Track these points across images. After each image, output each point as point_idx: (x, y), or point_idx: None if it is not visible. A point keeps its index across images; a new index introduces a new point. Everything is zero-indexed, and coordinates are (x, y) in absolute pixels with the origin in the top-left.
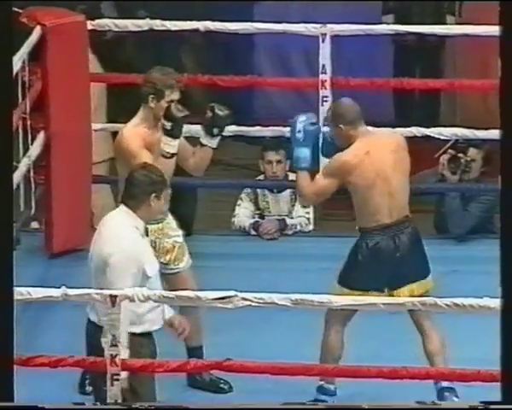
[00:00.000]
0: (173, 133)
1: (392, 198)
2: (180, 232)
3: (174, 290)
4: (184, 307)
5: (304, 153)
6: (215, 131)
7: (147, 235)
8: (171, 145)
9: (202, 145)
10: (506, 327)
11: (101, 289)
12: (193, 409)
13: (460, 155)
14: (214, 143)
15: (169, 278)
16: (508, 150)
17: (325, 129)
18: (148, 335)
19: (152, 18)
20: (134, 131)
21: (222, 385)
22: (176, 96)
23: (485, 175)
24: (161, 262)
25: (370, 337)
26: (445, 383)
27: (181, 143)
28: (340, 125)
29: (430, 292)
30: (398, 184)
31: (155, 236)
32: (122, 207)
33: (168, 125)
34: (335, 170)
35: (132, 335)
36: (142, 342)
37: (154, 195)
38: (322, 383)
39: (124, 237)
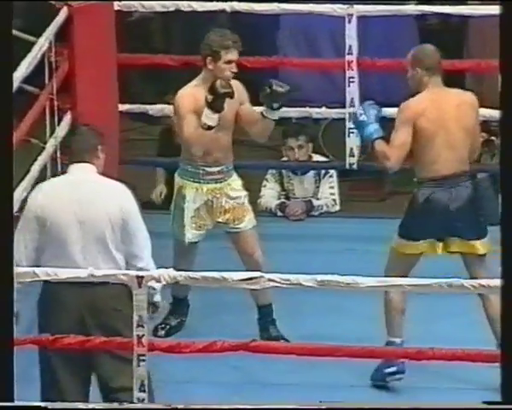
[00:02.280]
0: (214, 106)
1: (452, 150)
2: (244, 192)
3: (237, 249)
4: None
5: (372, 127)
6: (275, 105)
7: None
8: (209, 117)
9: (264, 117)
10: (506, 327)
11: (113, 249)
12: (189, 409)
13: (493, 138)
14: (276, 115)
15: (231, 237)
16: (507, 143)
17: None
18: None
19: None
20: (190, 93)
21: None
22: (233, 55)
23: None
24: (219, 221)
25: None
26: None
27: (248, 108)
28: (417, 69)
29: (490, 254)
30: (459, 138)
31: (213, 195)
32: (82, 165)
33: (210, 97)
34: (405, 117)
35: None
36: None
37: (100, 147)
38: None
39: (121, 186)
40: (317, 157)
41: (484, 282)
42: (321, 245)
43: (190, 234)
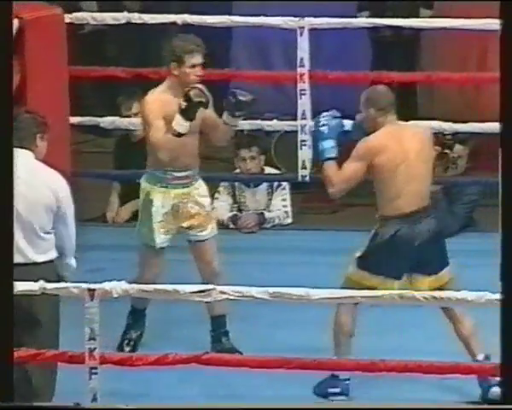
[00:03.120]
0: (186, 114)
1: (414, 186)
2: (209, 200)
3: (196, 257)
4: None
5: (329, 144)
6: (237, 113)
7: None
8: (181, 125)
9: (226, 123)
10: (506, 326)
11: (39, 227)
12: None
13: (447, 151)
14: (237, 122)
15: (192, 245)
16: (508, 148)
17: (346, 122)
18: (50, 262)
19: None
20: (157, 98)
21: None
22: (197, 59)
23: (469, 171)
24: (182, 226)
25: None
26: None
27: (212, 115)
28: (371, 110)
29: (450, 285)
30: (421, 173)
31: (179, 199)
32: (20, 151)
33: (184, 105)
34: (362, 153)
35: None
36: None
37: (38, 135)
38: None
39: (56, 174)
40: (269, 169)
41: (436, 294)
42: (273, 257)
43: (159, 239)
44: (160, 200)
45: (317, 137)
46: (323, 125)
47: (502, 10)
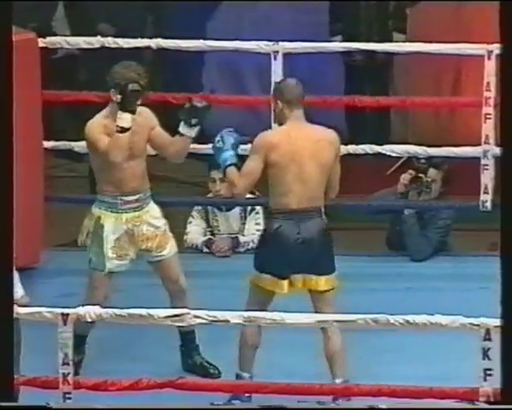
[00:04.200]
0: (124, 106)
1: (304, 185)
2: (163, 221)
3: (161, 277)
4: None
5: (227, 154)
6: (193, 121)
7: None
8: (122, 119)
9: (181, 134)
10: (506, 324)
11: None
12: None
13: (421, 175)
14: (193, 132)
15: (154, 265)
16: (508, 168)
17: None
18: None
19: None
20: (97, 122)
21: (211, 370)
22: (137, 87)
23: (443, 195)
24: (142, 249)
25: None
26: None
27: (159, 133)
28: (278, 101)
29: (336, 290)
30: (312, 174)
31: (132, 223)
32: None
33: (119, 97)
34: (257, 147)
35: None
36: None
37: None
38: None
39: None
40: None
41: (409, 318)
42: (247, 282)
43: (110, 264)
44: (112, 225)
45: (216, 153)
46: (218, 141)
47: (502, 10)
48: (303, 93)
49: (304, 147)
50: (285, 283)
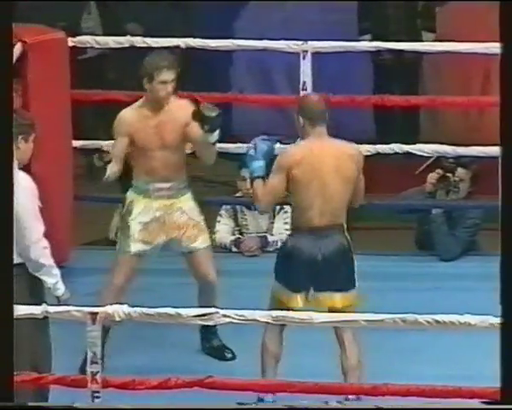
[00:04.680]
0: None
1: (326, 202)
2: (197, 211)
3: (190, 269)
4: None
5: (257, 164)
6: (206, 127)
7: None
8: (211, 136)
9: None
10: (505, 324)
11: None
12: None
13: (449, 174)
14: (211, 138)
15: (185, 257)
16: (508, 168)
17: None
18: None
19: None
20: (127, 115)
21: (227, 354)
22: (166, 76)
23: (471, 195)
24: (173, 238)
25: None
26: None
27: (192, 130)
28: (300, 117)
29: (355, 307)
30: (335, 190)
31: (163, 211)
32: None
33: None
34: (280, 164)
35: None
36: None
37: (20, 137)
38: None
39: (25, 181)
40: None
41: (438, 317)
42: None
43: (135, 246)
44: (141, 209)
45: (247, 160)
46: (251, 148)
47: (501, 10)
48: (326, 109)
49: (326, 163)
50: (299, 297)
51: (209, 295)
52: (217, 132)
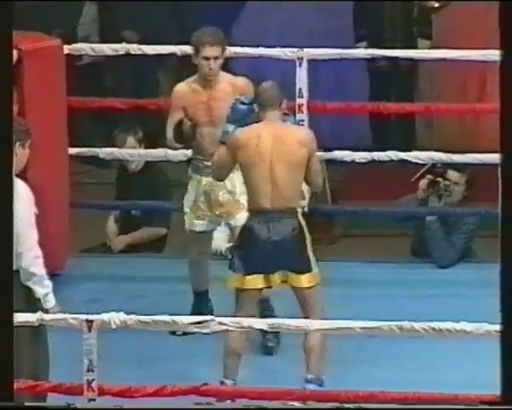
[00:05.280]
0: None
1: (274, 186)
2: (237, 188)
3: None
4: None
5: (226, 128)
6: (228, 117)
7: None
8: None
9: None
10: (505, 323)
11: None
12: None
13: (438, 179)
14: (226, 127)
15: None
16: (507, 176)
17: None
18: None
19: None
20: (181, 89)
21: (269, 343)
22: (209, 52)
23: (468, 199)
24: (217, 214)
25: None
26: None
27: None
28: (255, 105)
29: (315, 288)
30: (281, 174)
31: (209, 187)
32: None
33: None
34: (228, 144)
35: None
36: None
37: (18, 143)
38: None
39: (21, 188)
40: None
41: (434, 325)
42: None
43: (190, 223)
44: (194, 187)
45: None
46: (230, 108)
47: (501, 10)
48: (278, 95)
49: (272, 147)
50: (258, 279)
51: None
52: (233, 127)
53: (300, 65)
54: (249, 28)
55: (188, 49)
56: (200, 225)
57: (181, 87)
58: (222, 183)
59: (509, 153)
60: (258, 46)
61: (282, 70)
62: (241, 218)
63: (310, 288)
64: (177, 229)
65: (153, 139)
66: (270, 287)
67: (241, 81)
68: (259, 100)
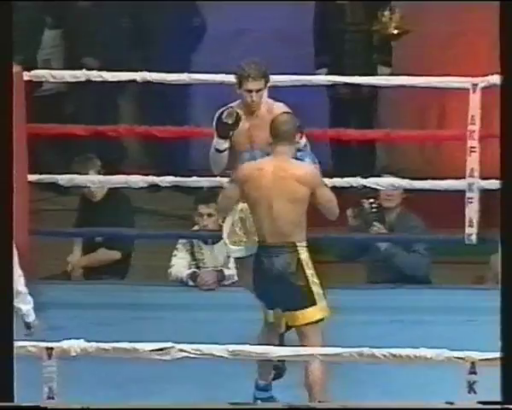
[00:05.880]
0: (218, 132)
1: (273, 221)
2: None
3: None
4: None
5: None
6: (217, 132)
7: None
8: (218, 142)
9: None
10: (506, 322)
11: None
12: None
13: (363, 201)
14: (218, 144)
15: None
16: (507, 203)
17: None
18: None
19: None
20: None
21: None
22: (251, 85)
23: (407, 201)
24: (254, 240)
25: None
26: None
27: None
28: (270, 135)
29: (312, 326)
30: (280, 210)
31: (244, 213)
32: None
33: (216, 123)
34: (234, 176)
35: None
36: None
37: None
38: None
39: None
40: None
41: (394, 351)
42: (233, 314)
43: (228, 249)
44: (231, 213)
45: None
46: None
47: (501, 10)
48: (291, 129)
49: (272, 183)
50: (271, 312)
51: None
52: (224, 142)
53: None
54: (210, 57)
55: (148, 76)
56: (236, 251)
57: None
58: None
59: (509, 179)
60: (218, 73)
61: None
62: None
63: (315, 322)
64: (139, 256)
65: (113, 166)
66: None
67: (279, 108)
68: (273, 132)
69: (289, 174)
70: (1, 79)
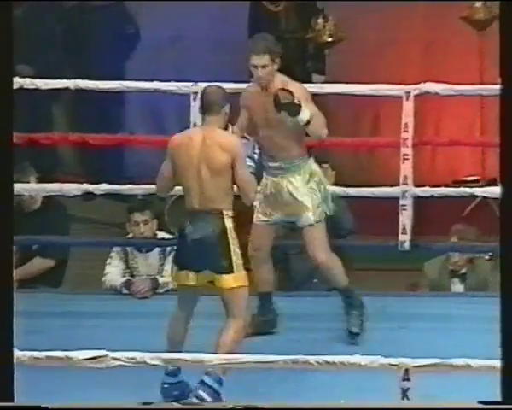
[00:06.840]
0: (289, 113)
1: (200, 188)
2: (302, 190)
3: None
4: None
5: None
6: (286, 113)
7: None
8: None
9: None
10: (506, 321)
11: None
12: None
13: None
14: (300, 120)
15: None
16: (507, 211)
17: None
18: None
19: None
20: (246, 89)
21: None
22: (257, 61)
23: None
24: (283, 215)
25: None
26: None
27: None
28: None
29: (238, 290)
30: (206, 177)
31: (274, 188)
32: None
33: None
34: (167, 150)
35: None
36: None
37: None
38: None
39: None
40: (162, 234)
41: (329, 358)
42: (166, 322)
43: (257, 216)
44: (262, 185)
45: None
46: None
47: (502, 10)
48: (219, 101)
49: (198, 150)
50: (190, 275)
51: (323, 274)
52: (303, 115)
53: (195, 99)
54: (145, 64)
55: (81, 83)
56: (263, 220)
57: (246, 88)
58: (284, 184)
59: (509, 186)
60: (152, 80)
61: (178, 104)
62: (306, 218)
63: (230, 289)
64: (73, 264)
65: (47, 174)
66: (201, 285)
67: (293, 86)
68: (200, 102)
69: (214, 142)
70: (1, 79)
